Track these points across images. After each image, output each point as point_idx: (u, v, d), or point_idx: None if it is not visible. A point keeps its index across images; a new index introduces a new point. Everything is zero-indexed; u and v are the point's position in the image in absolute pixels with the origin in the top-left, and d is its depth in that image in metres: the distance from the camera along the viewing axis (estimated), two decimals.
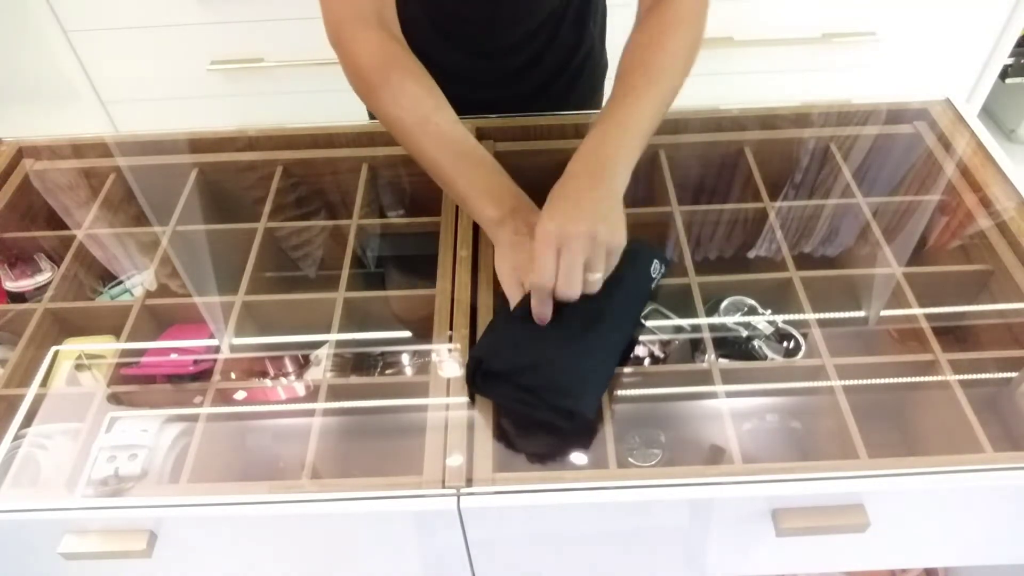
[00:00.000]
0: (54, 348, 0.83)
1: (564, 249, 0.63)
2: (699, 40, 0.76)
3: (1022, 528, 0.70)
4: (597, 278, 0.65)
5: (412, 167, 0.98)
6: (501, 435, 0.70)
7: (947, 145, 0.94)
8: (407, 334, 0.88)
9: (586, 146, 0.70)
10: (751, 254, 0.94)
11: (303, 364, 0.85)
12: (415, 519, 0.65)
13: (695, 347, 0.82)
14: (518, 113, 1.00)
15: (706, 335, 0.78)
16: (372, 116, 1.08)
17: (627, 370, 0.76)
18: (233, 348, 0.80)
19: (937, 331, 0.76)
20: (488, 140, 0.97)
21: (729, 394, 0.73)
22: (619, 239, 0.66)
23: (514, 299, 0.71)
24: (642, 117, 0.71)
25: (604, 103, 0.75)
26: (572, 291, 0.64)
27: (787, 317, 0.82)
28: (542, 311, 0.66)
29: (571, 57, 1.03)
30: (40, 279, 0.92)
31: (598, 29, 1.06)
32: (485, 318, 0.76)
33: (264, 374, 0.83)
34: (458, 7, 0.93)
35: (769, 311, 0.83)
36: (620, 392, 0.74)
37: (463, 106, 1.01)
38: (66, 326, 0.86)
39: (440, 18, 0.95)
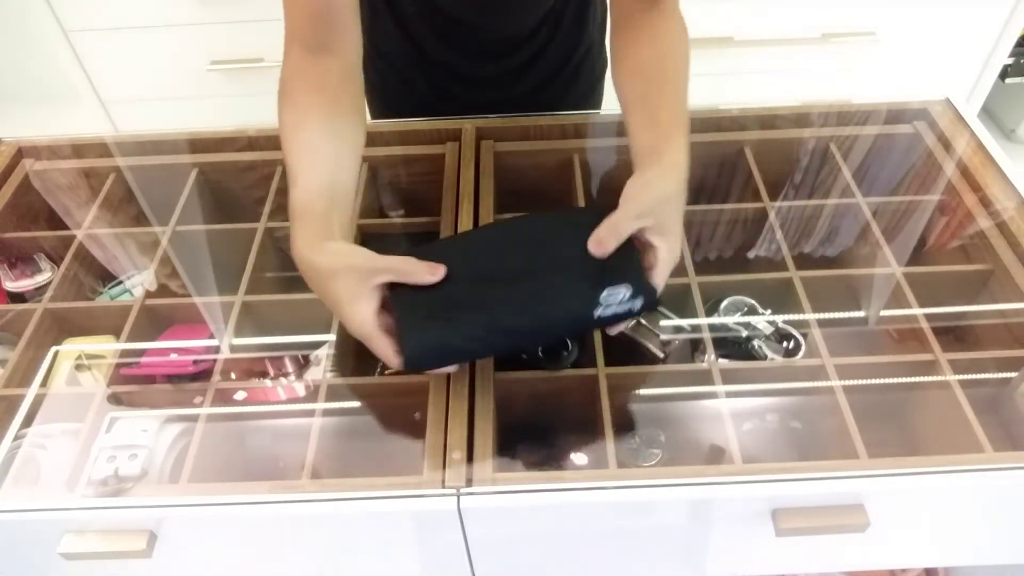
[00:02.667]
0: (54, 348, 0.83)
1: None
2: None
3: (1022, 528, 0.70)
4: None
5: (412, 167, 0.98)
6: (501, 435, 0.70)
7: (947, 145, 0.94)
8: None
9: (674, 159, 0.70)
10: (751, 254, 0.94)
11: (303, 364, 0.85)
12: (415, 519, 0.65)
13: (695, 347, 0.82)
14: (517, 112, 1.00)
15: (706, 335, 0.78)
16: (373, 116, 1.08)
17: (627, 370, 0.77)
18: (233, 348, 0.80)
19: (937, 331, 0.76)
20: (488, 140, 0.97)
21: (729, 394, 0.74)
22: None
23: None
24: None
25: (630, 106, 0.74)
26: None
27: (787, 317, 0.82)
28: None
29: (570, 56, 1.03)
30: (40, 279, 0.92)
31: (597, 29, 1.06)
32: None
33: (264, 374, 0.83)
34: (454, 8, 0.93)
35: (769, 311, 0.83)
36: (620, 392, 0.74)
37: (462, 104, 1.01)
38: (66, 326, 0.86)
39: (438, 19, 0.95)
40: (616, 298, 0.58)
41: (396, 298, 0.62)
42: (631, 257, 0.61)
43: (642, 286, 0.59)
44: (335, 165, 0.68)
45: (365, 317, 0.61)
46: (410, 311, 0.61)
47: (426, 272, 0.62)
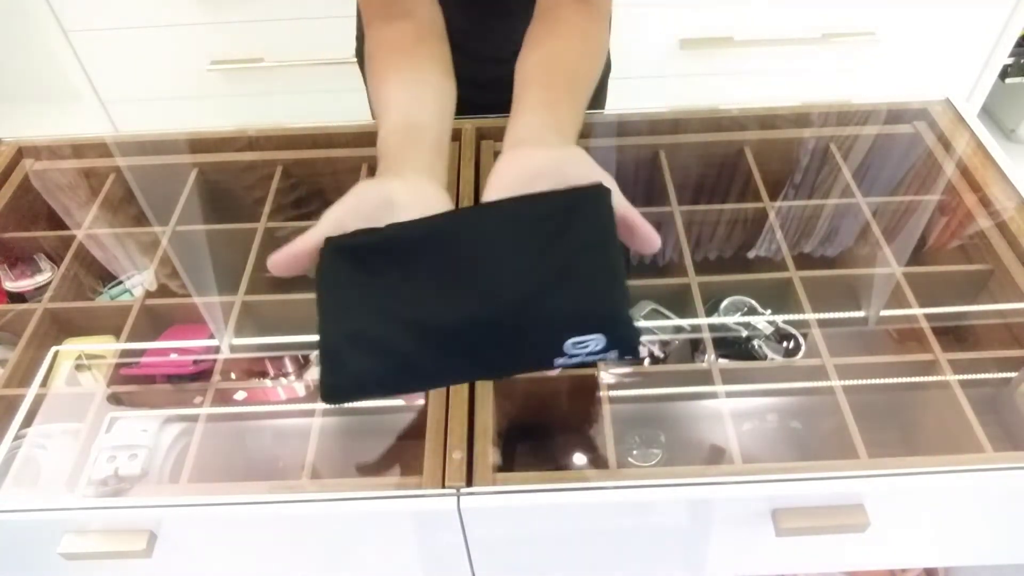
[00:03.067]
0: (54, 348, 0.83)
1: None
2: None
3: (1022, 528, 0.70)
4: None
5: None
6: (501, 435, 0.70)
7: (947, 145, 0.94)
8: None
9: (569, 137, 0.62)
10: (751, 254, 0.94)
11: (303, 364, 0.85)
12: (415, 519, 0.65)
13: (695, 347, 0.82)
14: None
15: (706, 335, 0.78)
16: (373, 115, 1.08)
17: (627, 370, 0.77)
18: (233, 348, 0.80)
19: (937, 331, 0.76)
20: (488, 140, 0.97)
21: (729, 394, 0.73)
22: None
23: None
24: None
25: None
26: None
27: (787, 317, 0.82)
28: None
29: None
30: (40, 279, 0.92)
31: None
32: None
33: (264, 374, 0.83)
34: (456, 18, 0.93)
35: (769, 311, 0.83)
36: (620, 392, 0.74)
37: (466, 108, 1.00)
38: (66, 326, 0.86)
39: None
40: (584, 348, 0.48)
41: (320, 301, 0.50)
42: (612, 296, 0.48)
43: (619, 336, 0.47)
44: (410, 107, 0.64)
45: None
46: (334, 328, 0.49)
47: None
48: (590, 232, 0.48)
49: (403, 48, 0.71)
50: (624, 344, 0.48)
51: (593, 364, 0.50)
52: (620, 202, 0.51)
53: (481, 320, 0.48)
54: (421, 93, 0.67)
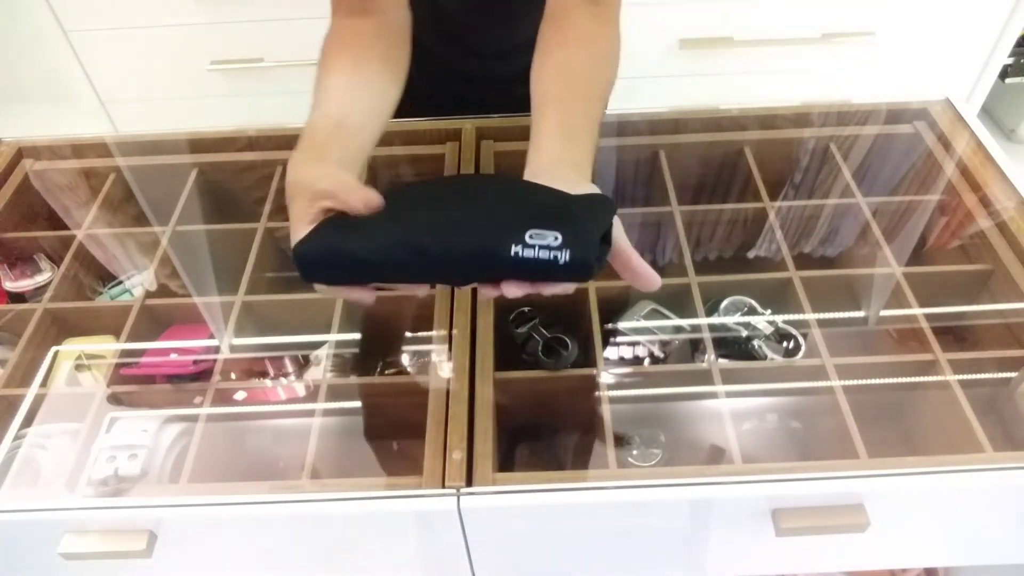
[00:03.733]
0: (54, 348, 0.83)
1: None
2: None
3: (1022, 528, 0.70)
4: None
5: (412, 167, 0.98)
6: (501, 435, 0.70)
7: (947, 145, 0.94)
8: (407, 334, 0.88)
9: (585, 172, 0.64)
10: (751, 254, 0.94)
11: (303, 364, 0.85)
12: (415, 519, 0.65)
13: (695, 347, 0.82)
14: (521, 113, 1.00)
15: (706, 335, 0.78)
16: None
17: (627, 370, 0.76)
18: (233, 348, 0.80)
19: (937, 331, 0.77)
20: (488, 140, 0.97)
21: (729, 394, 0.74)
22: None
23: None
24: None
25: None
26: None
27: (787, 317, 0.82)
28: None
29: None
30: (40, 279, 0.92)
31: None
32: (485, 316, 0.76)
33: (264, 374, 0.83)
34: (458, 13, 0.93)
35: (769, 311, 0.83)
36: (620, 392, 0.74)
37: (466, 106, 1.01)
38: (66, 326, 0.86)
39: (442, 22, 0.95)
40: (541, 241, 0.50)
41: (325, 219, 0.57)
42: (584, 212, 0.52)
43: (576, 240, 0.50)
44: (348, 102, 0.66)
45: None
46: (325, 225, 0.56)
47: (360, 201, 0.56)
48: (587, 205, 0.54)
49: (357, 43, 0.71)
50: (578, 249, 0.49)
51: (548, 268, 0.50)
52: (623, 243, 0.54)
53: (456, 205, 0.55)
54: (361, 90, 0.68)
